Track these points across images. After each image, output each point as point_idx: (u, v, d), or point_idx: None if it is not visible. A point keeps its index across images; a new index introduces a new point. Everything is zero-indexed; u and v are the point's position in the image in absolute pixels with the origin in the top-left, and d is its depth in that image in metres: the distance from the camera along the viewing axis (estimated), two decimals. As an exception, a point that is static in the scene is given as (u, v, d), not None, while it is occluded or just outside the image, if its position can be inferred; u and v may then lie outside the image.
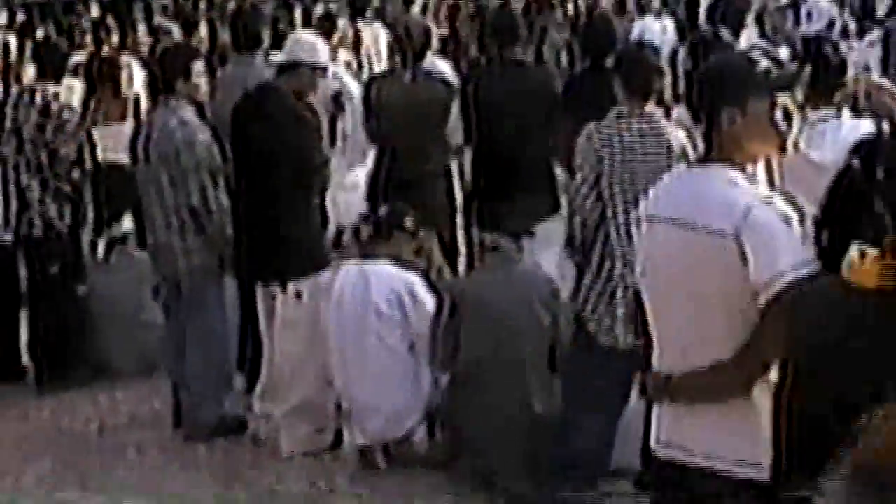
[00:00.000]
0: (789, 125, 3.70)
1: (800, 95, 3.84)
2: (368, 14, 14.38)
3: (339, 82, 8.89)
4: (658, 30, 13.61)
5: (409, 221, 6.92)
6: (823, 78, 6.24)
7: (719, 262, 3.53)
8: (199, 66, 7.23)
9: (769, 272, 3.48)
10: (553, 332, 6.34)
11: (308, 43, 7.50)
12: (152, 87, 9.91)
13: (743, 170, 3.65)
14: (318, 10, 14.92)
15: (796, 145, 5.46)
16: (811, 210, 3.63)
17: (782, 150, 3.73)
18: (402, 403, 6.66)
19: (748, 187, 3.60)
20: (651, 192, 3.91)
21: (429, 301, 6.63)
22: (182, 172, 7.06)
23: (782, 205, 3.55)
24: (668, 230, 3.67)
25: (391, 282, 6.65)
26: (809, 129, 6.05)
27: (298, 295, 6.92)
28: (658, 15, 14.63)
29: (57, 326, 8.23)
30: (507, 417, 6.25)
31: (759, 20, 12.51)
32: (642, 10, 14.99)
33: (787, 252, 3.49)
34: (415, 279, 6.69)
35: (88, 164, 8.30)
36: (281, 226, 6.94)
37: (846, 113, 6.27)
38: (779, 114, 3.66)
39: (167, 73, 7.29)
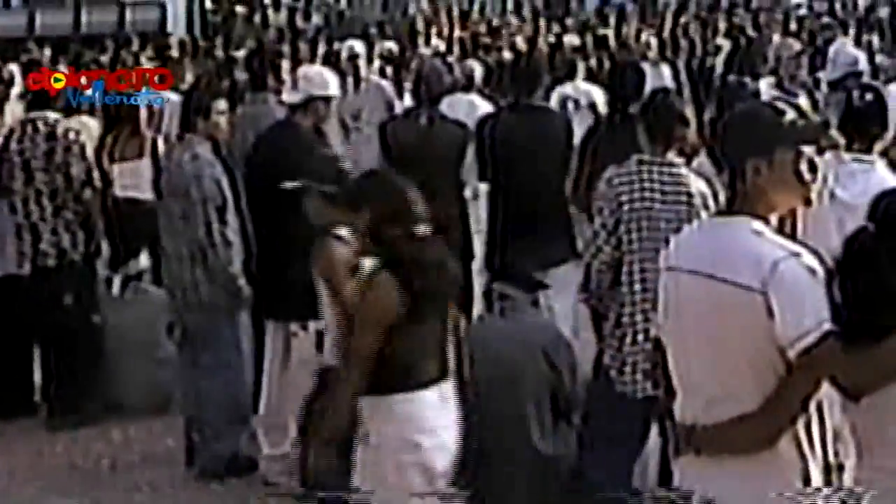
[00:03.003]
0: (814, 177, 3.68)
1: (825, 144, 3.82)
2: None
3: None
4: (654, 76, 13.41)
5: None
6: (855, 123, 6.28)
7: (745, 316, 3.50)
8: (220, 104, 7.28)
9: (796, 330, 3.46)
10: (556, 380, 6.31)
11: (317, 76, 7.73)
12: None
13: (767, 221, 3.63)
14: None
15: (825, 181, 5.43)
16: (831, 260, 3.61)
17: (807, 202, 3.69)
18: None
19: (774, 239, 3.57)
20: (673, 242, 3.89)
21: None
22: (191, 206, 7.12)
23: (808, 258, 3.53)
24: (691, 281, 3.65)
25: None
26: (840, 168, 6.05)
27: (320, 335, 6.90)
28: (654, 64, 14.50)
29: (70, 361, 8.17)
30: (515, 462, 6.23)
31: (775, 70, 12.45)
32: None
33: (813, 308, 3.47)
34: None
35: (98, 183, 8.23)
36: (298, 265, 6.93)
37: (881, 162, 6.24)
38: (803, 165, 3.64)
39: (187, 111, 7.39)
